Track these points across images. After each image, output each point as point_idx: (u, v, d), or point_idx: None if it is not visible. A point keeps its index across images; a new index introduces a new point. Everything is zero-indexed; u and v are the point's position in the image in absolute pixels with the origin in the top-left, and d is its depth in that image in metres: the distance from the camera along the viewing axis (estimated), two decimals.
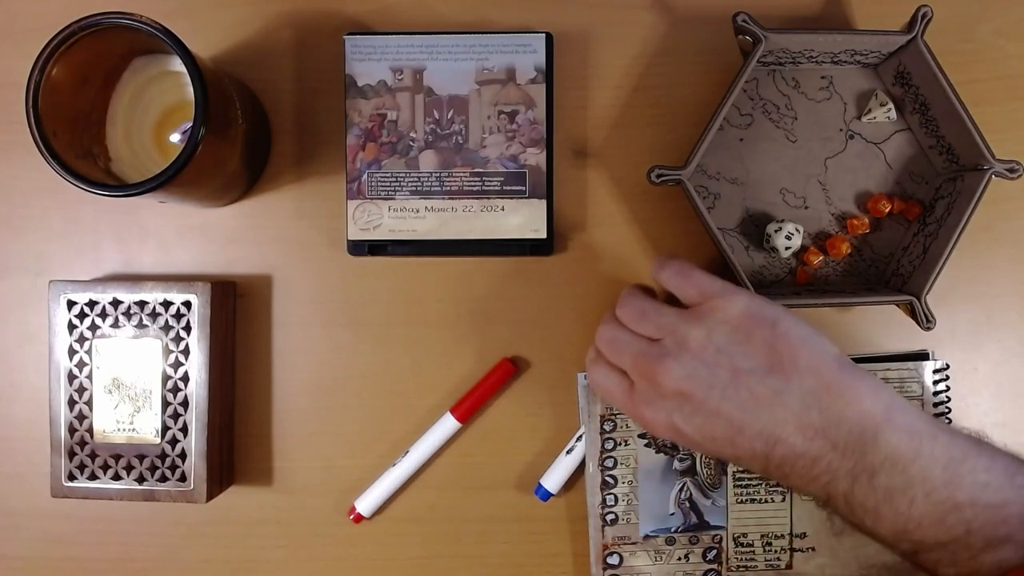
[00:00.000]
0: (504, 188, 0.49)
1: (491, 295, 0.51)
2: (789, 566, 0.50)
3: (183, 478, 0.48)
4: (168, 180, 0.40)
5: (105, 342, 0.49)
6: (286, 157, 0.52)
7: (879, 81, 0.50)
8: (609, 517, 0.50)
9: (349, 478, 0.51)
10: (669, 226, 0.51)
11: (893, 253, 0.51)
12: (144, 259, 0.52)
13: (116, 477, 0.48)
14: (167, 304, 0.49)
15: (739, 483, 0.50)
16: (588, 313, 0.51)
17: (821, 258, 0.50)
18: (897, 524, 0.36)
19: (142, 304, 0.49)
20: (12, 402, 0.52)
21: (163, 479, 0.48)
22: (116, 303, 0.49)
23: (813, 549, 0.50)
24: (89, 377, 0.49)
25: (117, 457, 0.48)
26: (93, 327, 0.49)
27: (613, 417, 0.50)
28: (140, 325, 0.49)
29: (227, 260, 0.52)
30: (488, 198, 0.49)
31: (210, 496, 0.48)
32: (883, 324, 0.51)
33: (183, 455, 0.48)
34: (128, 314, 0.49)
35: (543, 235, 0.49)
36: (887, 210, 0.50)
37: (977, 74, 0.51)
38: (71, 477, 0.48)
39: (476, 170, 0.49)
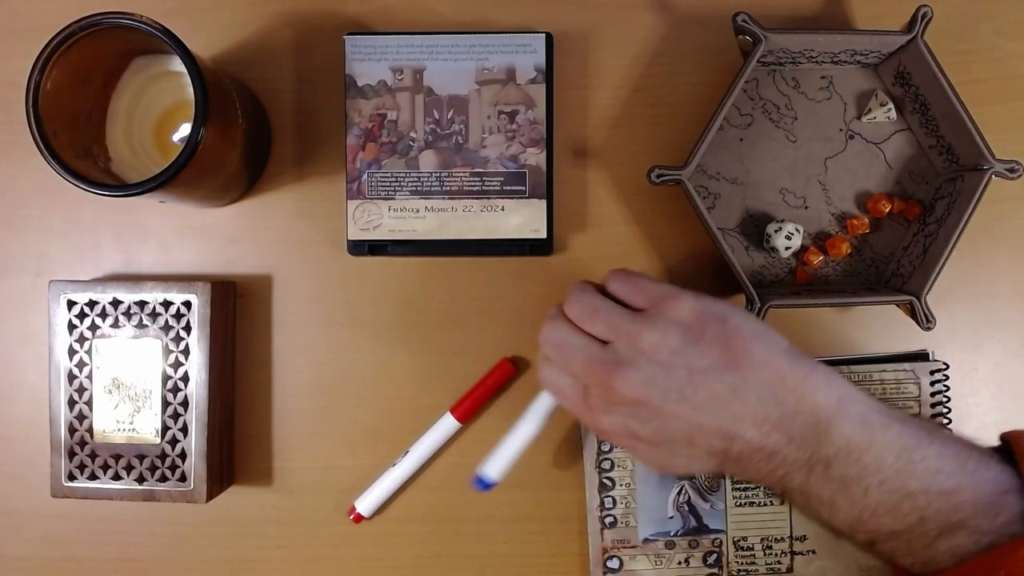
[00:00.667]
0: (504, 188, 0.49)
1: (491, 295, 0.51)
2: (790, 569, 0.50)
3: (183, 478, 0.48)
4: (168, 180, 0.40)
5: (105, 342, 0.49)
6: (286, 157, 0.52)
7: (879, 81, 0.50)
8: (608, 520, 0.50)
9: (349, 478, 0.51)
10: (669, 226, 0.51)
11: (893, 253, 0.51)
12: (144, 259, 0.52)
13: (116, 477, 0.48)
14: (167, 304, 0.49)
15: (738, 486, 0.50)
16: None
17: (821, 258, 0.50)
18: (853, 514, 0.37)
19: (142, 304, 0.49)
20: (12, 402, 0.52)
21: (163, 479, 0.48)
22: (116, 303, 0.49)
23: (814, 552, 0.50)
24: (89, 377, 0.49)
25: (117, 457, 0.48)
26: (93, 327, 0.49)
27: None
28: (140, 325, 0.49)
29: (227, 260, 0.52)
30: (488, 198, 0.49)
31: (210, 496, 0.48)
32: (883, 324, 0.51)
33: (183, 455, 0.48)
34: (128, 314, 0.49)
35: (543, 235, 0.49)
36: (887, 210, 0.50)
37: (977, 74, 0.51)
38: (71, 477, 0.48)
39: (476, 170, 0.49)
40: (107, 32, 0.41)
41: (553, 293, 0.51)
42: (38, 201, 0.52)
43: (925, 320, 0.47)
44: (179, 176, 0.40)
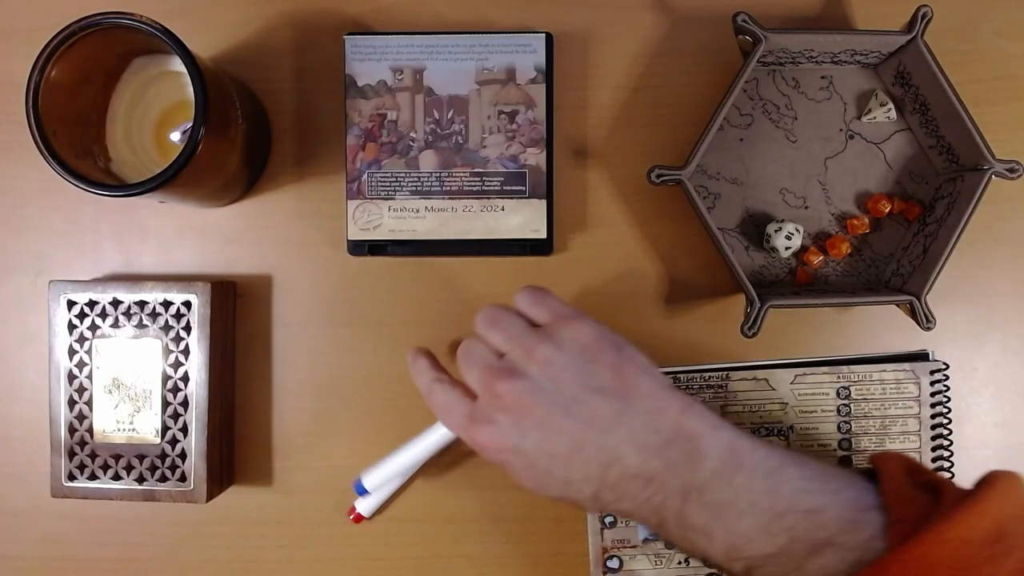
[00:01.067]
0: (504, 188, 0.49)
1: (491, 295, 0.51)
2: None
3: (183, 478, 0.48)
4: (168, 180, 0.40)
5: (105, 342, 0.49)
6: (286, 157, 0.52)
7: (879, 81, 0.50)
8: (607, 520, 0.50)
9: (349, 478, 0.51)
10: (669, 226, 0.51)
11: (893, 253, 0.51)
12: (144, 259, 0.52)
13: (116, 477, 0.48)
14: (167, 304, 0.49)
15: None
16: (588, 313, 0.51)
17: (821, 258, 0.50)
18: (727, 541, 0.37)
19: (142, 304, 0.49)
20: (12, 402, 0.52)
21: (163, 479, 0.48)
22: (116, 303, 0.49)
23: None
24: (89, 377, 0.49)
25: (117, 457, 0.48)
26: (93, 327, 0.49)
27: None
28: (140, 325, 0.49)
29: (227, 260, 0.52)
30: (488, 198, 0.49)
31: (210, 496, 0.48)
32: (883, 324, 0.51)
33: (183, 455, 0.48)
34: (128, 314, 0.49)
35: (543, 235, 0.49)
36: (887, 210, 0.50)
37: (977, 74, 0.51)
38: (71, 477, 0.48)
39: (476, 170, 0.49)
40: (107, 32, 0.41)
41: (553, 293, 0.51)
42: (38, 201, 0.52)
43: (925, 320, 0.47)
44: (179, 176, 0.40)
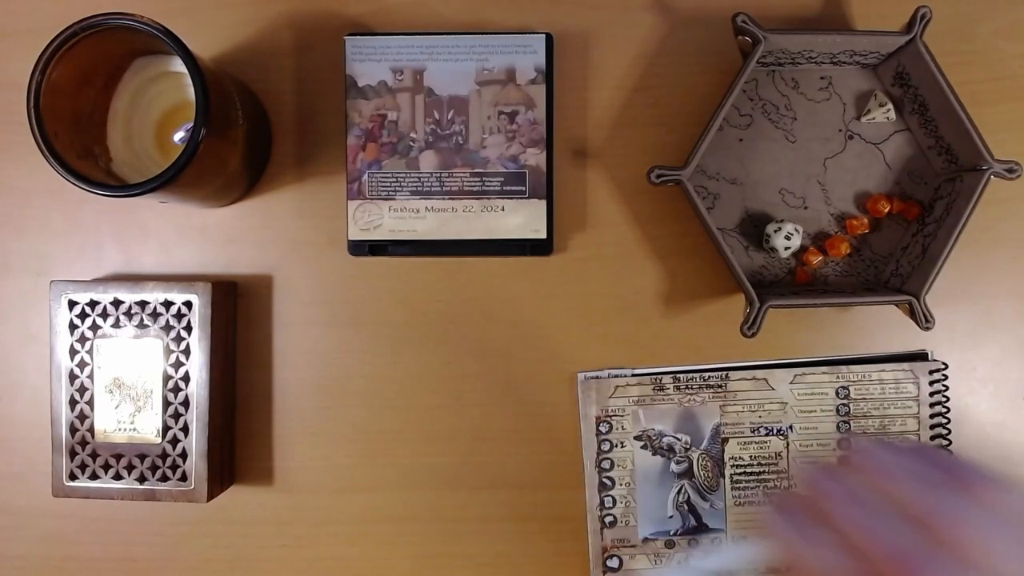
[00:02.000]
0: (504, 188, 0.49)
1: (491, 295, 0.51)
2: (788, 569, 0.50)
3: (184, 478, 0.48)
4: (169, 180, 0.40)
5: (106, 342, 0.49)
6: (287, 157, 0.52)
7: (878, 81, 0.50)
8: (607, 519, 0.50)
9: (349, 478, 0.52)
10: (669, 226, 0.51)
11: (892, 253, 0.51)
12: (145, 259, 0.52)
13: (117, 477, 0.48)
14: (168, 304, 0.49)
15: (737, 485, 0.50)
16: (588, 313, 0.51)
17: (820, 258, 0.50)
18: None
19: (143, 304, 0.49)
20: (13, 402, 0.52)
21: (164, 479, 0.48)
22: (117, 303, 0.49)
23: None
24: (90, 377, 0.49)
25: (118, 457, 0.49)
26: (94, 327, 0.49)
27: (608, 418, 0.50)
28: (141, 325, 0.49)
29: (228, 260, 0.52)
30: (488, 198, 0.49)
31: (211, 496, 0.48)
32: (882, 324, 0.51)
33: (184, 455, 0.48)
34: (129, 314, 0.49)
35: (543, 235, 0.49)
36: (886, 210, 0.50)
37: (976, 74, 0.51)
38: (72, 477, 0.49)
39: (476, 170, 0.49)
40: (108, 33, 0.41)
41: (553, 293, 0.51)
42: (39, 201, 0.52)
43: (924, 320, 0.47)
44: (180, 177, 0.40)
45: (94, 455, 0.49)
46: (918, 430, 0.49)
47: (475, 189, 0.49)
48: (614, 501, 0.50)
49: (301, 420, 0.52)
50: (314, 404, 0.52)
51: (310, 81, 0.51)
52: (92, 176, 0.41)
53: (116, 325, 0.49)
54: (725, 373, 0.49)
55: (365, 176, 0.49)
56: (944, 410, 0.49)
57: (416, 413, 0.52)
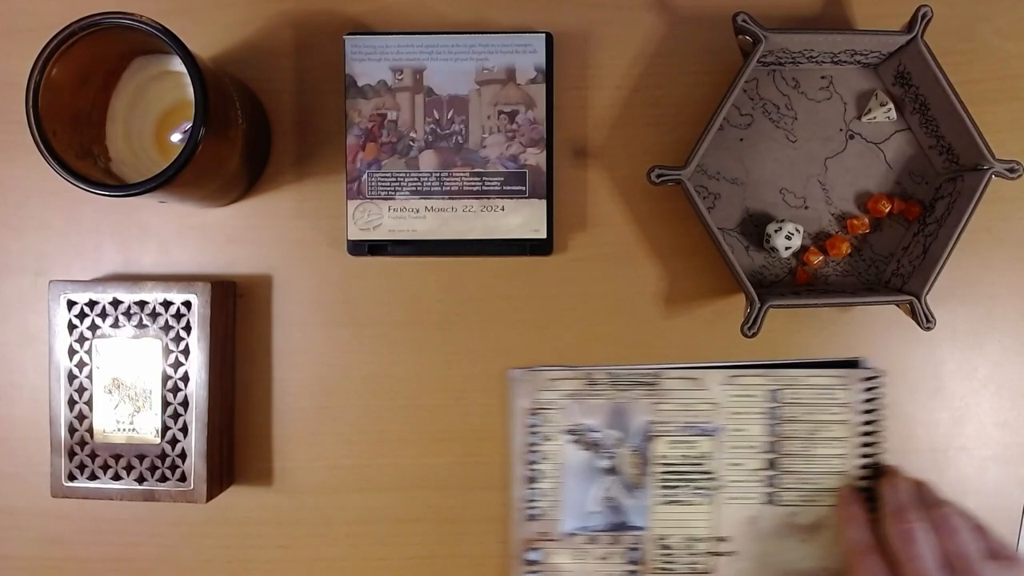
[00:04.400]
0: (504, 188, 0.49)
1: (491, 295, 0.51)
2: (711, 570, 0.50)
3: (183, 478, 0.48)
4: (168, 180, 0.40)
5: (105, 342, 0.49)
6: (286, 157, 0.52)
7: (879, 81, 0.50)
8: (532, 513, 0.50)
9: (349, 478, 0.51)
10: (669, 226, 0.51)
11: (893, 253, 0.51)
12: (144, 259, 0.52)
13: (116, 477, 0.48)
14: (167, 304, 0.49)
15: (663, 484, 0.50)
16: (588, 313, 0.51)
17: (821, 258, 0.50)
18: None
19: (142, 304, 0.49)
20: (12, 402, 0.52)
21: (163, 479, 0.48)
22: (116, 303, 0.49)
23: (736, 553, 0.50)
24: (89, 377, 0.49)
25: (117, 457, 0.48)
26: (93, 327, 0.49)
27: (539, 412, 0.50)
28: (140, 325, 0.49)
29: (227, 260, 0.52)
30: (488, 198, 0.49)
31: (210, 496, 0.48)
32: (883, 324, 0.51)
33: (183, 455, 0.48)
34: (128, 314, 0.49)
35: (543, 235, 0.49)
36: (887, 210, 0.50)
37: (977, 74, 0.51)
38: (71, 477, 0.48)
39: (476, 170, 0.49)
40: (107, 32, 0.41)
41: (553, 293, 0.51)
42: (38, 201, 0.52)
43: (925, 320, 0.47)
44: (179, 176, 0.40)
45: (93, 455, 0.49)
46: (847, 436, 0.49)
47: (475, 189, 0.49)
48: (540, 495, 0.50)
49: (300, 420, 0.52)
50: (313, 404, 0.52)
51: (310, 81, 0.51)
52: (91, 176, 0.40)
53: (115, 325, 0.49)
54: (658, 371, 0.50)
55: (365, 176, 0.49)
56: (877, 418, 0.50)
57: (416, 413, 0.51)
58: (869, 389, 0.50)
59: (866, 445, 0.50)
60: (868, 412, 0.50)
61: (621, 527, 0.50)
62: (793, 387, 0.50)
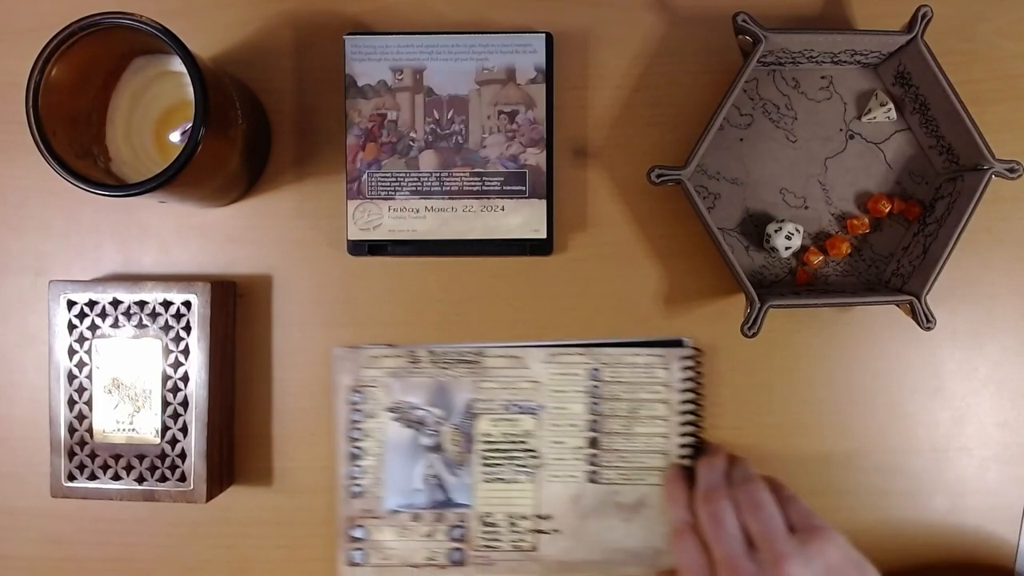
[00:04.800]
0: (504, 188, 0.49)
1: (491, 295, 0.51)
2: (534, 548, 0.50)
3: (183, 478, 0.48)
4: (168, 180, 0.40)
5: (105, 342, 0.49)
6: (286, 157, 0.52)
7: (879, 81, 0.50)
8: (355, 490, 0.50)
9: None
10: (669, 226, 0.51)
11: (893, 253, 0.51)
12: (144, 259, 0.52)
13: (116, 477, 0.48)
14: (167, 304, 0.49)
15: (486, 462, 0.50)
16: (588, 313, 0.51)
17: (821, 258, 0.50)
18: None
19: (142, 304, 0.49)
20: (12, 402, 0.52)
21: (163, 479, 0.48)
22: (116, 303, 0.49)
23: (558, 532, 0.50)
24: (89, 377, 0.49)
25: (117, 457, 0.48)
26: (93, 327, 0.49)
27: (361, 388, 0.50)
28: (140, 325, 0.49)
29: (227, 260, 0.52)
30: (488, 198, 0.49)
31: (210, 496, 0.48)
32: (883, 324, 0.51)
33: (183, 455, 0.48)
34: (128, 314, 0.49)
35: (543, 235, 0.49)
36: (887, 210, 0.50)
37: (977, 74, 0.51)
38: (71, 477, 0.48)
39: (476, 170, 0.49)
40: (107, 32, 0.41)
41: (553, 293, 0.51)
42: (38, 201, 0.52)
43: (925, 320, 0.47)
44: (179, 176, 0.40)
45: (93, 455, 0.49)
46: (667, 415, 0.50)
47: (475, 189, 0.49)
48: (363, 471, 0.50)
49: (300, 420, 0.52)
50: (313, 404, 0.52)
51: (310, 81, 0.51)
52: (91, 176, 0.40)
53: (115, 325, 0.49)
54: (481, 349, 0.50)
55: (365, 176, 0.49)
56: (696, 396, 0.50)
57: None
58: (688, 368, 0.50)
59: (684, 424, 0.50)
60: (685, 392, 0.50)
61: (445, 504, 0.50)
62: (614, 366, 0.50)
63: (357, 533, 0.50)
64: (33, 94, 0.40)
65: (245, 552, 0.52)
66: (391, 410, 0.50)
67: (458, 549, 0.50)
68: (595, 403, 0.50)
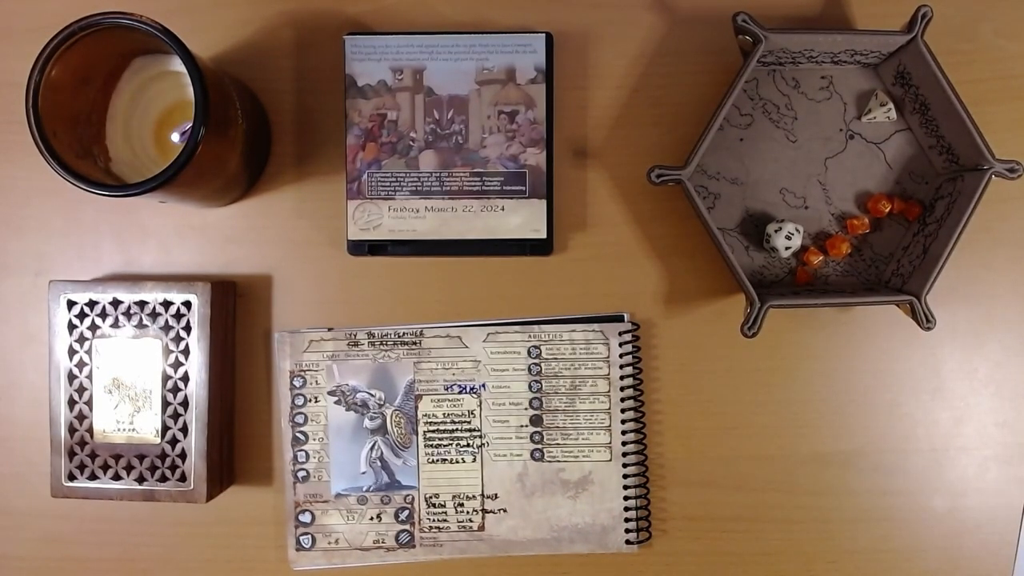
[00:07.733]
0: (504, 188, 0.49)
1: (491, 295, 0.51)
2: (481, 527, 0.50)
3: (183, 478, 0.48)
4: (168, 180, 0.40)
5: (105, 342, 0.49)
6: (286, 157, 0.52)
7: (879, 81, 0.50)
8: (300, 474, 0.50)
9: None
10: (669, 226, 0.51)
11: (893, 253, 0.51)
12: (144, 259, 0.52)
13: (116, 477, 0.48)
14: (167, 304, 0.49)
15: (430, 443, 0.50)
16: (588, 313, 0.51)
17: (821, 258, 0.50)
18: None
19: (142, 304, 0.49)
20: (12, 402, 0.52)
21: (163, 479, 0.48)
22: (116, 303, 0.49)
23: (505, 511, 0.50)
24: (89, 377, 0.49)
25: (117, 457, 0.48)
26: (93, 327, 0.49)
27: (303, 373, 0.50)
28: (140, 325, 0.49)
29: (227, 260, 0.52)
30: (488, 198, 0.49)
31: (210, 496, 0.48)
32: (883, 324, 0.51)
33: (183, 455, 0.48)
34: (128, 314, 0.49)
35: (543, 235, 0.49)
36: (887, 210, 0.50)
37: (977, 74, 0.51)
38: (71, 477, 0.48)
39: (476, 170, 0.49)
40: (107, 32, 0.41)
41: (553, 293, 0.51)
42: (38, 201, 0.52)
43: (925, 320, 0.47)
44: (179, 176, 0.40)
45: (93, 455, 0.49)
46: (608, 391, 0.50)
47: (475, 189, 0.49)
48: (308, 456, 0.50)
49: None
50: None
51: (310, 81, 0.51)
52: (91, 176, 0.40)
53: (115, 325, 0.49)
54: (420, 330, 0.50)
55: (365, 176, 0.49)
56: (635, 371, 0.50)
57: None
58: (626, 343, 0.50)
59: (625, 399, 0.50)
60: (625, 367, 0.50)
61: (391, 487, 0.50)
62: (553, 343, 0.50)
63: (304, 518, 0.50)
64: (33, 94, 0.40)
65: (245, 552, 0.52)
66: (332, 394, 0.50)
67: (406, 531, 0.50)
68: (536, 381, 0.50)
